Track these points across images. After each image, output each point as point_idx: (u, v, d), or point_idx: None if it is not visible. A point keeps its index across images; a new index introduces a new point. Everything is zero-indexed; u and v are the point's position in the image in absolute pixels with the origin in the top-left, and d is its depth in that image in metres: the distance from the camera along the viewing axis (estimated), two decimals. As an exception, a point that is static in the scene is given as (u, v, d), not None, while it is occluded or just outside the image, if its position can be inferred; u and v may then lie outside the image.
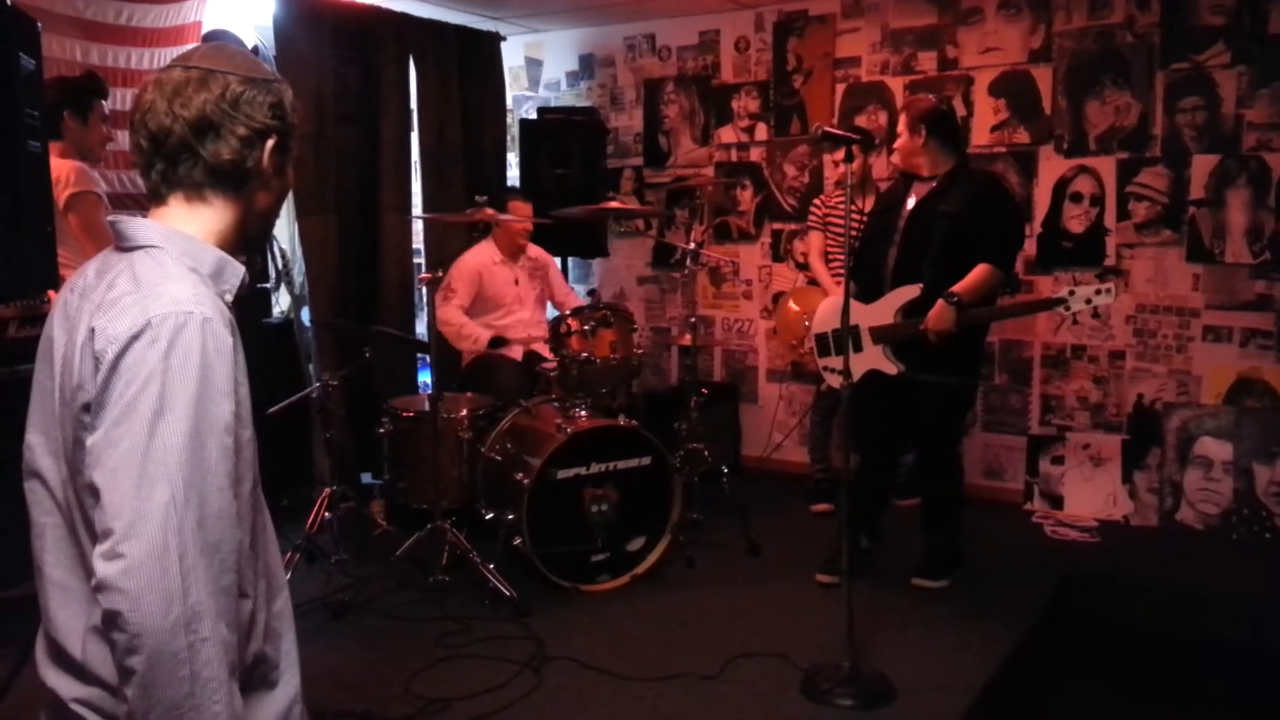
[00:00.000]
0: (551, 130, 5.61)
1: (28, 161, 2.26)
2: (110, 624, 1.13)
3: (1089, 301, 3.45)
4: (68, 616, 1.28)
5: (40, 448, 1.32)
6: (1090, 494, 4.79)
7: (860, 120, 5.18)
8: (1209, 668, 3.55)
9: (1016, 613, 3.63)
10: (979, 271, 3.55)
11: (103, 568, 1.12)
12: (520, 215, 4.69)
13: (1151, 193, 4.58)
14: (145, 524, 1.12)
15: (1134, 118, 4.58)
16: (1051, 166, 4.79)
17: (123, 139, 3.73)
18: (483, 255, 4.74)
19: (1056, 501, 4.87)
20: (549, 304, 5.10)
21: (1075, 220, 4.76)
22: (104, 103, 3.61)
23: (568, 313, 4.24)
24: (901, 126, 3.73)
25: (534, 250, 4.92)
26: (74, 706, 1.26)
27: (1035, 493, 4.93)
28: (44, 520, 1.32)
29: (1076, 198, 4.75)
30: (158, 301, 1.19)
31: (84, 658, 1.26)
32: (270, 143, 1.35)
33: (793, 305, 4.63)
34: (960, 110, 4.91)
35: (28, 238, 2.25)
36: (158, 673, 1.12)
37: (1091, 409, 4.79)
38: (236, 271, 1.35)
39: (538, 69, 6.36)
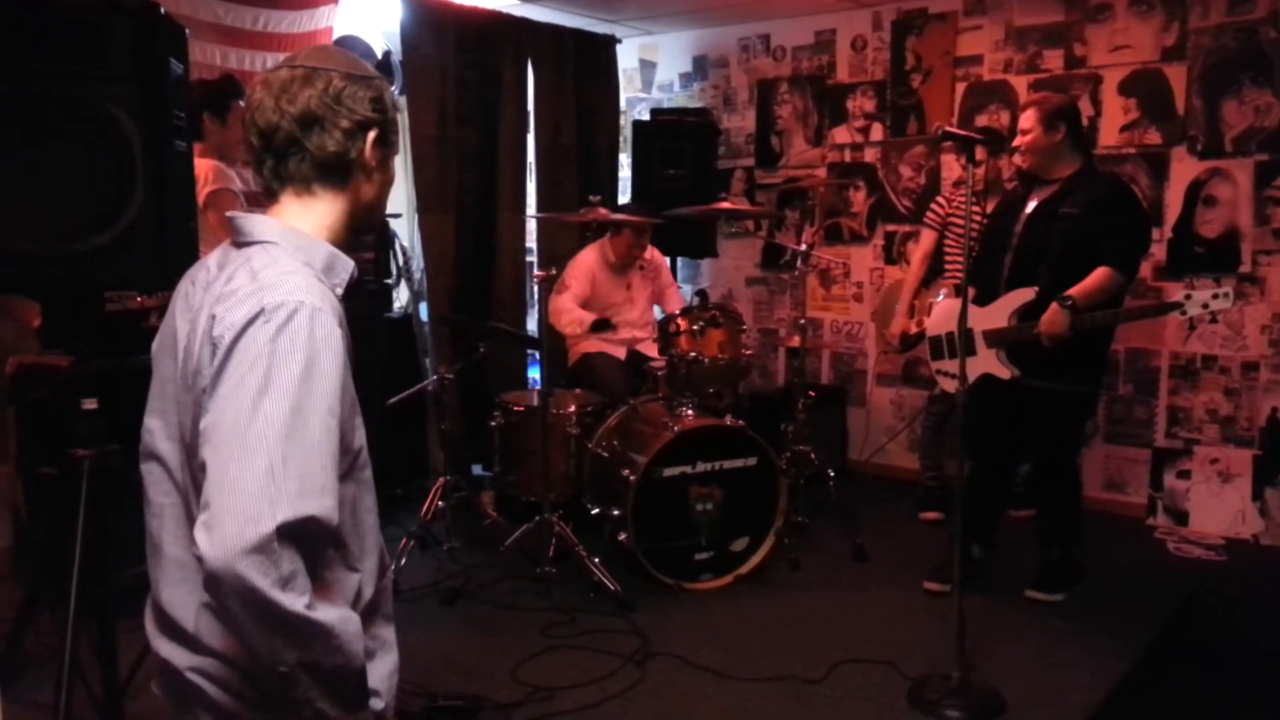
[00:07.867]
0: (664, 131, 5.65)
1: (175, 160, 2.39)
2: (211, 587, 1.17)
3: (1205, 306, 3.29)
4: (183, 593, 1.35)
5: (159, 432, 1.40)
6: (1218, 510, 4.57)
7: (981, 120, 5.06)
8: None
9: (1136, 631, 3.50)
10: (1098, 275, 3.42)
11: (202, 536, 1.16)
12: (633, 232, 4.63)
13: (1293, 197, 4.35)
14: (240, 493, 1.16)
15: (1275, 118, 4.35)
16: (1184, 169, 4.59)
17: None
18: (597, 256, 4.79)
19: (1181, 517, 4.67)
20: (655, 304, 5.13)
21: (1208, 225, 4.55)
22: (241, 104, 3.79)
23: (677, 313, 4.26)
24: (1030, 123, 3.54)
25: (650, 251, 4.92)
26: (189, 675, 1.33)
27: (1159, 507, 4.74)
28: (163, 500, 1.39)
29: (1210, 201, 4.54)
30: (272, 292, 1.25)
31: (196, 631, 1.33)
32: (371, 134, 1.41)
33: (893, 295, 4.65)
34: (1088, 110, 4.75)
35: (173, 233, 2.37)
36: (288, 633, 1.19)
37: (1221, 422, 4.57)
38: (346, 266, 1.41)
39: (651, 71, 6.41)
